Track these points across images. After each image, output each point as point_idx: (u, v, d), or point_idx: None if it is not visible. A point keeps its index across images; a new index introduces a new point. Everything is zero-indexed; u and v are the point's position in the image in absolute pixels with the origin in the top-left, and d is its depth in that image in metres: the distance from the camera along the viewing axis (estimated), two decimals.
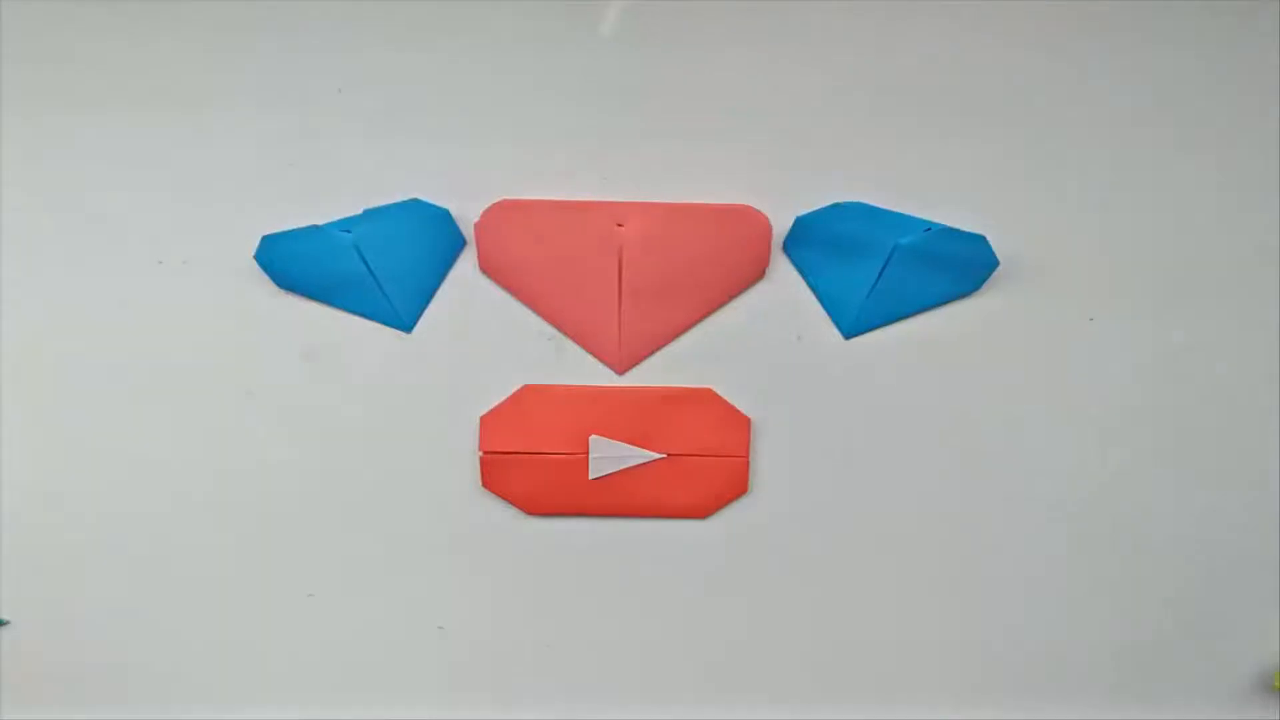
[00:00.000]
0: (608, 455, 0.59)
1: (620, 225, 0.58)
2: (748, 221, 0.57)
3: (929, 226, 0.57)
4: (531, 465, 0.59)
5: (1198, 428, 0.60)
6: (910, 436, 0.60)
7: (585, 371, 0.59)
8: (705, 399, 0.59)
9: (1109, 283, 0.59)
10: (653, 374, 0.59)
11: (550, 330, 0.59)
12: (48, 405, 0.59)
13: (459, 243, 0.58)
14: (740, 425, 0.59)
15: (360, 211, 0.58)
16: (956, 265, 0.57)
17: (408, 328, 0.59)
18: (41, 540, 0.60)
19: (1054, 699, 0.62)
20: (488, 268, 0.58)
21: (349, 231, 0.57)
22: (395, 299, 0.58)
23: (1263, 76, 0.58)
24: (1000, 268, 0.58)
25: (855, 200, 0.58)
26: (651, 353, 0.59)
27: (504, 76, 0.57)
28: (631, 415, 0.59)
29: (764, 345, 0.59)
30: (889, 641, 0.62)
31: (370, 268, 0.58)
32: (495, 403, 0.59)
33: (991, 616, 0.62)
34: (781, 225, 0.58)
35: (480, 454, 0.59)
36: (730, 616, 0.62)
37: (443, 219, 0.58)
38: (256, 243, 0.57)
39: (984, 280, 0.58)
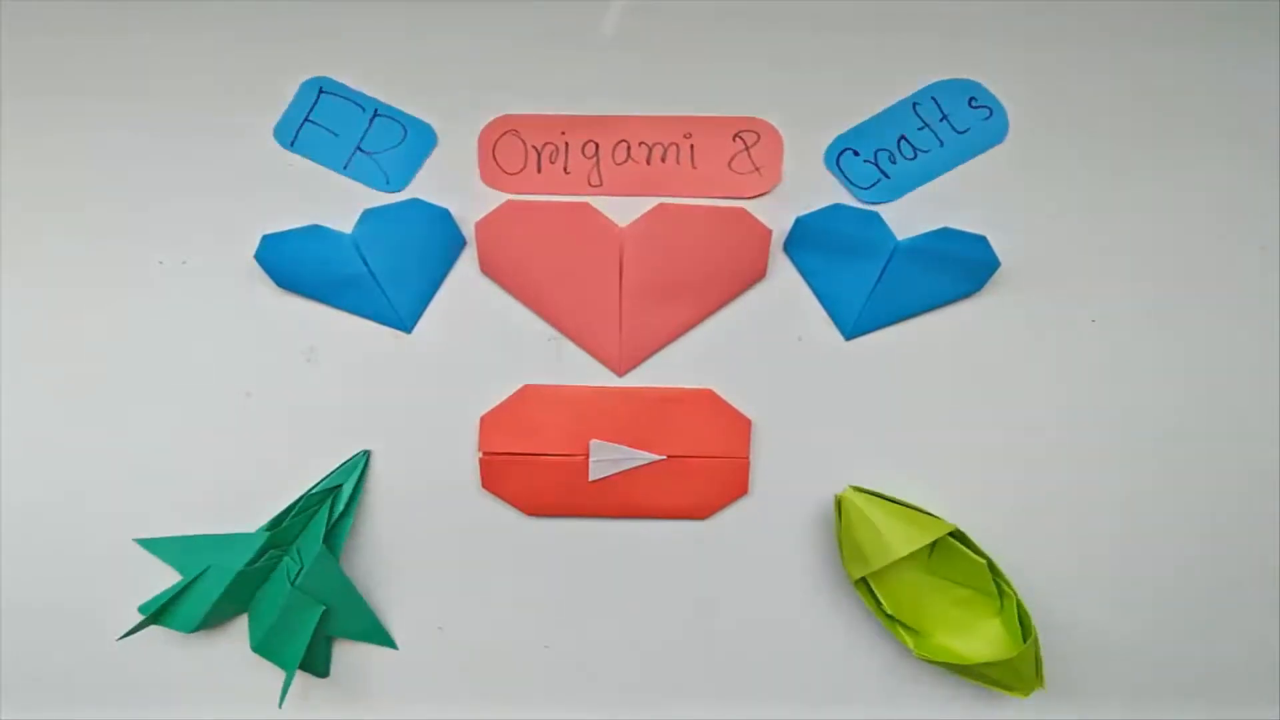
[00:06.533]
0: (608, 457, 0.59)
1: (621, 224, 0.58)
2: (748, 222, 0.57)
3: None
4: (531, 466, 0.59)
5: (1199, 429, 0.60)
6: (911, 437, 0.59)
7: (585, 372, 0.59)
8: (705, 400, 0.59)
9: (1111, 284, 0.59)
10: (653, 375, 0.59)
11: (551, 331, 0.59)
12: (46, 405, 0.59)
13: (459, 243, 0.58)
14: (740, 426, 0.59)
15: (360, 212, 0.58)
16: (957, 266, 0.57)
17: (408, 328, 0.59)
18: (39, 540, 0.60)
19: (1055, 699, 0.62)
20: (488, 268, 0.58)
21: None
22: (395, 299, 0.58)
23: (1263, 76, 0.58)
24: (1001, 268, 0.58)
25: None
26: (651, 354, 0.59)
27: (504, 68, 0.57)
28: (631, 416, 0.59)
29: (764, 346, 0.59)
30: (889, 642, 0.62)
31: (370, 268, 0.58)
32: (495, 403, 0.59)
33: None
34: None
35: (480, 455, 0.59)
36: (730, 617, 0.62)
37: (443, 219, 0.58)
38: (256, 243, 0.57)
39: (985, 281, 0.58)
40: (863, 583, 0.59)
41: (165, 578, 0.60)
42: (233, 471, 0.60)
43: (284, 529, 0.58)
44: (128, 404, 0.59)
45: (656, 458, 0.59)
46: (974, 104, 0.57)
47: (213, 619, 0.59)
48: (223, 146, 0.58)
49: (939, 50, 0.57)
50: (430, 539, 0.61)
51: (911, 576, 0.59)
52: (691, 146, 0.58)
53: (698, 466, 0.59)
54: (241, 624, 0.61)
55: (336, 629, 0.60)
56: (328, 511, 0.58)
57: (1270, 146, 0.58)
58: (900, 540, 0.55)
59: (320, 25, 0.57)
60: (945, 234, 0.57)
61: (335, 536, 0.59)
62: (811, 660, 0.62)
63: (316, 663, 0.60)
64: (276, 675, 0.60)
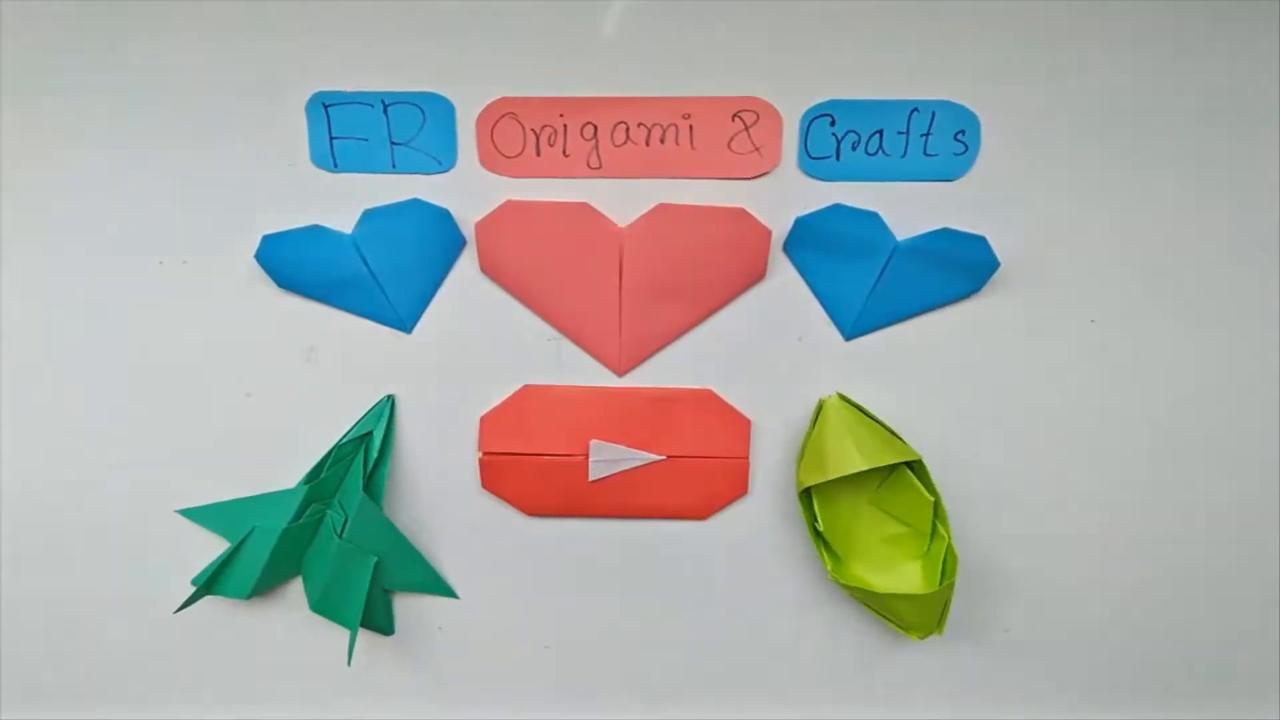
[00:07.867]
0: (608, 457, 0.59)
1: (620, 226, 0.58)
2: (748, 222, 0.57)
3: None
4: (531, 466, 0.59)
5: (1198, 428, 0.60)
6: (910, 438, 0.59)
7: (585, 372, 0.59)
8: (705, 400, 0.59)
9: (1111, 284, 0.58)
10: (653, 375, 0.59)
11: (551, 331, 0.59)
12: (47, 405, 0.59)
13: (459, 243, 0.58)
14: (740, 426, 0.59)
15: (360, 213, 0.58)
16: (957, 266, 0.57)
17: (408, 328, 0.59)
18: (40, 539, 0.61)
19: (1054, 700, 0.63)
20: (488, 268, 0.58)
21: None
22: (395, 299, 0.58)
23: (1264, 75, 0.57)
24: (1001, 268, 0.58)
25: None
26: (651, 354, 0.59)
27: (500, 51, 0.57)
28: (631, 416, 0.59)
29: (764, 346, 0.59)
30: (889, 642, 0.62)
31: (370, 268, 0.58)
32: (495, 403, 0.59)
33: (991, 616, 0.62)
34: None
35: (480, 455, 0.59)
36: (730, 618, 0.62)
37: (443, 219, 0.58)
38: (257, 243, 0.57)
39: (985, 281, 0.58)
40: (805, 495, 0.59)
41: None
42: (233, 472, 0.60)
43: (322, 481, 0.58)
44: (127, 404, 0.59)
45: (656, 458, 0.59)
46: (958, 137, 0.57)
47: (266, 583, 0.58)
48: (223, 146, 0.58)
49: (938, 46, 0.57)
50: (430, 539, 0.61)
51: (854, 503, 0.59)
52: (691, 127, 0.57)
53: (698, 466, 0.59)
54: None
55: (392, 581, 0.59)
56: (362, 460, 0.58)
57: (1270, 147, 0.58)
58: (866, 453, 0.55)
59: (314, 24, 0.57)
60: (945, 234, 0.57)
61: (375, 484, 0.58)
62: (811, 660, 0.62)
63: (378, 618, 0.60)
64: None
